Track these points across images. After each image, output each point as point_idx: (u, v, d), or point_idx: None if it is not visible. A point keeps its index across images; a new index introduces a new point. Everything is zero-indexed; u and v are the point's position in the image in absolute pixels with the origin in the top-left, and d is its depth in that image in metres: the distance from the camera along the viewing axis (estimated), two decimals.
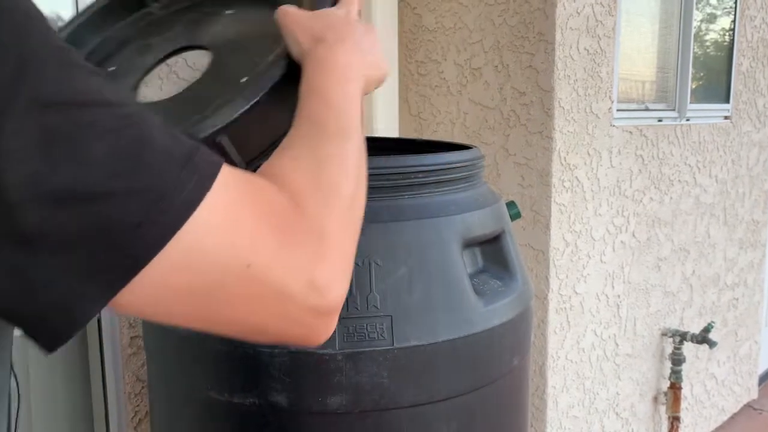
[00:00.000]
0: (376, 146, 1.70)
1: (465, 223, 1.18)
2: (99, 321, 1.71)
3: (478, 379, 1.15)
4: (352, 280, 1.07)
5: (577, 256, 2.10)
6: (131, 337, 1.76)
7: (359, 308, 1.07)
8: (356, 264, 1.08)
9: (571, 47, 1.96)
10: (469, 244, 1.21)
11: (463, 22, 2.13)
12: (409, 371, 1.08)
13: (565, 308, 2.09)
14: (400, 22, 2.30)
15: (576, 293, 2.13)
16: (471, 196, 1.24)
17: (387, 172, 1.13)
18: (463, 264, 1.17)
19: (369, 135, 2.22)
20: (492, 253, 1.29)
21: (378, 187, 1.13)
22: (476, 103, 2.12)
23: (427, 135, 2.29)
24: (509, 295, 1.24)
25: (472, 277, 1.21)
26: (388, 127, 2.25)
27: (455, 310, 1.13)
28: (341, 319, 1.05)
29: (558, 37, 1.92)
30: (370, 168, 1.13)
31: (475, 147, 1.34)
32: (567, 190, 2.01)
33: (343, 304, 1.14)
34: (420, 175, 1.16)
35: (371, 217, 1.15)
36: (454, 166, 1.20)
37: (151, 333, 1.26)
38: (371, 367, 1.06)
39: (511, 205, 1.45)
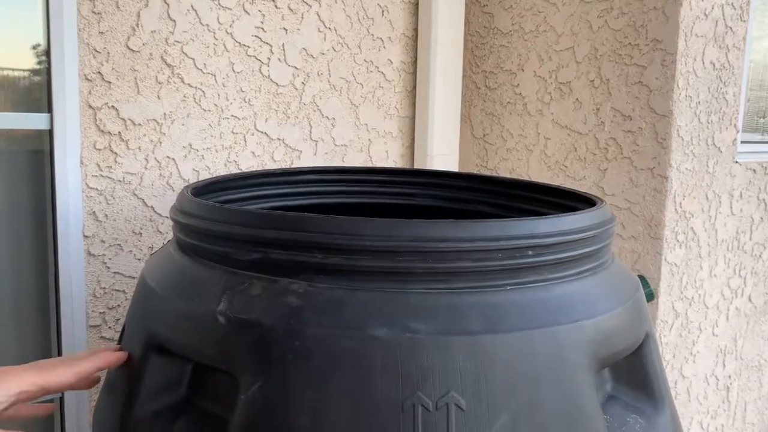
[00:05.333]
0: (424, 182, 1.25)
1: (600, 332, 0.73)
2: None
3: None
4: None
5: (687, 329, 1.62)
6: None
7: None
8: (424, 408, 0.63)
9: (695, 60, 1.49)
10: (605, 365, 0.75)
11: (548, 23, 1.68)
12: None
13: None
14: (467, 22, 1.86)
15: (683, 377, 1.65)
16: (604, 284, 0.78)
17: (474, 248, 0.68)
18: (597, 402, 0.71)
19: (420, 167, 1.77)
20: (628, 370, 0.83)
21: (459, 271, 0.68)
22: (563, 127, 1.66)
23: (494, 163, 1.84)
24: None
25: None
26: (445, 152, 1.80)
27: None
28: None
29: (681, 45, 1.45)
30: (443, 239, 0.69)
31: (601, 201, 0.88)
32: (681, 245, 1.54)
33: None
34: (530, 252, 0.71)
35: (450, 326, 0.70)
36: (580, 236, 0.75)
37: None
38: None
39: (643, 282, 0.99)
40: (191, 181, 1.38)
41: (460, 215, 1.19)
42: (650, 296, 0.98)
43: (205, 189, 1.00)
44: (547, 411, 0.66)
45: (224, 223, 0.74)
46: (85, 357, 0.77)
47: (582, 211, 0.78)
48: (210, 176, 1.29)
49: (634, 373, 0.83)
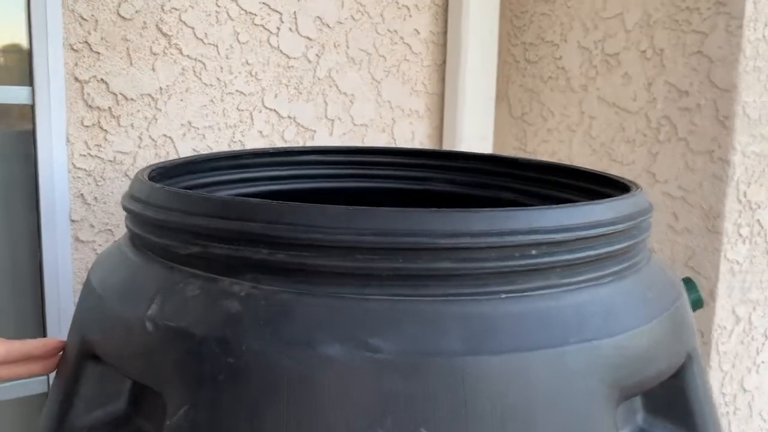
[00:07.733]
0: (440, 165, 1.10)
1: (622, 354, 0.57)
2: None
3: None
4: None
5: (751, 336, 1.42)
6: None
7: None
8: None
9: (766, 25, 1.29)
10: (629, 395, 0.59)
11: None
12: None
13: (728, 412, 1.42)
14: None
15: (744, 390, 1.45)
16: (632, 291, 0.62)
17: (457, 245, 0.53)
18: None
19: (450, 149, 1.62)
20: (664, 398, 0.67)
21: (436, 275, 0.54)
22: (610, 104, 1.48)
23: (534, 146, 1.66)
24: None
25: None
26: (478, 134, 1.64)
27: None
28: None
29: (749, 9, 1.25)
30: (416, 233, 0.53)
31: (637, 187, 0.72)
32: (744, 240, 1.34)
33: None
34: (534, 252, 0.56)
35: (422, 344, 0.54)
36: (601, 231, 0.59)
37: None
38: None
39: (689, 285, 0.81)
40: None
41: (478, 203, 1.04)
42: (698, 303, 0.81)
43: (177, 170, 0.87)
44: None
45: (162, 209, 0.62)
46: (28, 340, 0.69)
47: (605, 200, 0.62)
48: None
49: (671, 402, 0.67)
